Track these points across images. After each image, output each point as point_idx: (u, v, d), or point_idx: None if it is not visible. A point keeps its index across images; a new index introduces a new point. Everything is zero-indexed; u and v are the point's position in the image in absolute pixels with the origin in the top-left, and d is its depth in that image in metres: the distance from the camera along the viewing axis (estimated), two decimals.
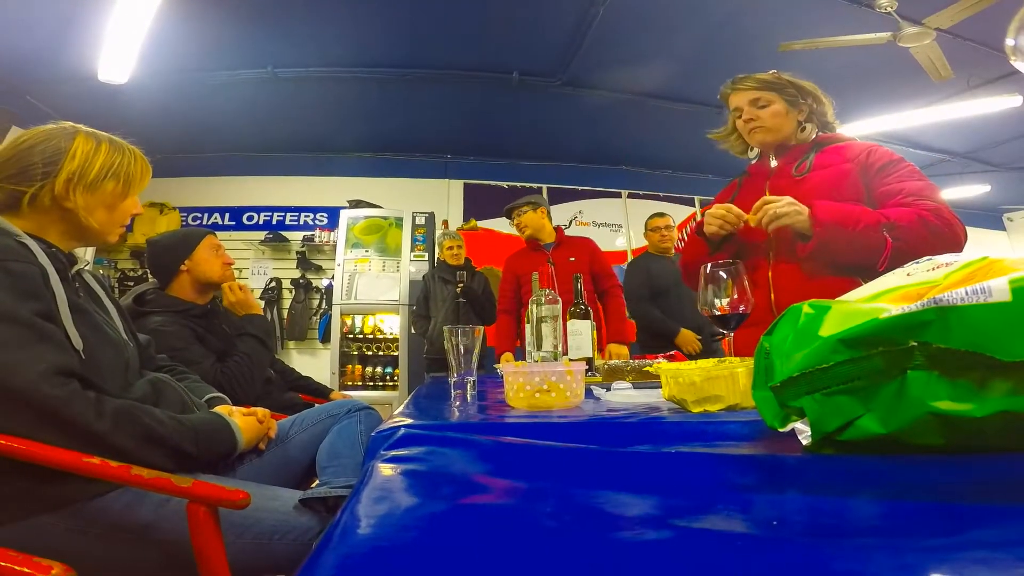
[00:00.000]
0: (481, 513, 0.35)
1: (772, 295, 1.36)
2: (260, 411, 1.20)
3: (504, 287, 2.97)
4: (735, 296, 0.97)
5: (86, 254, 4.42)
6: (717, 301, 0.97)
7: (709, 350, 3.06)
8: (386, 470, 0.45)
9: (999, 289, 0.33)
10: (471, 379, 0.94)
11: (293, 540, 0.95)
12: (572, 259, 2.84)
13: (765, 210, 1.26)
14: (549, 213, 2.96)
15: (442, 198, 5.55)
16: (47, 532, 0.85)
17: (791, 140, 1.47)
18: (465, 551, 0.28)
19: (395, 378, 4.40)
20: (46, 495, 0.86)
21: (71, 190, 1.00)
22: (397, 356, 4.40)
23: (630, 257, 5.81)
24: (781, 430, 0.45)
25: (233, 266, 1.81)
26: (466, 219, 5.44)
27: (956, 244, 1.24)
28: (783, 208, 1.24)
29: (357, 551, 0.29)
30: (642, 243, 5.89)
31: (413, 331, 3.90)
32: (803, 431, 0.42)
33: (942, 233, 1.22)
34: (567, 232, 3.49)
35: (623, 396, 0.90)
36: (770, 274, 1.38)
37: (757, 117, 1.44)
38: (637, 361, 1.43)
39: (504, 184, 5.68)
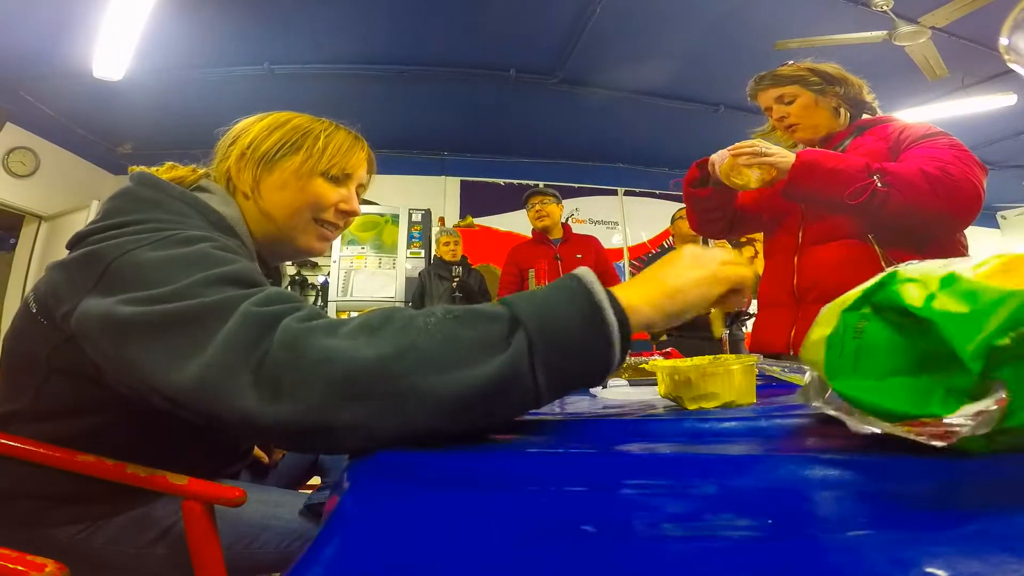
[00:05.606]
0: (475, 511, 0.35)
1: (795, 279, 1.37)
2: None
3: (506, 279, 2.97)
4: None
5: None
6: None
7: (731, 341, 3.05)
8: (380, 468, 0.45)
9: None
10: None
11: (299, 549, 0.94)
12: (579, 256, 2.88)
13: (755, 146, 1.23)
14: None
15: (439, 195, 5.54)
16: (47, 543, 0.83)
17: (832, 129, 1.43)
18: (459, 550, 0.28)
19: None
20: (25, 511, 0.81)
21: (243, 168, 0.84)
22: None
23: (626, 255, 5.81)
24: (947, 418, 0.32)
25: None
26: (463, 216, 5.44)
27: (963, 204, 1.16)
28: (771, 148, 1.22)
29: (349, 549, 0.29)
30: (639, 240, 5.94)
31: None
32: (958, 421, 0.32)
33: (945, 189, 1.12)
34: None
35: (619, 393, 0.90)
36: (796, 258, 1.38)
37: (787, 114, 1.42)
38: (633, 359, 1.43)
39: (501, 181, 5.68)
